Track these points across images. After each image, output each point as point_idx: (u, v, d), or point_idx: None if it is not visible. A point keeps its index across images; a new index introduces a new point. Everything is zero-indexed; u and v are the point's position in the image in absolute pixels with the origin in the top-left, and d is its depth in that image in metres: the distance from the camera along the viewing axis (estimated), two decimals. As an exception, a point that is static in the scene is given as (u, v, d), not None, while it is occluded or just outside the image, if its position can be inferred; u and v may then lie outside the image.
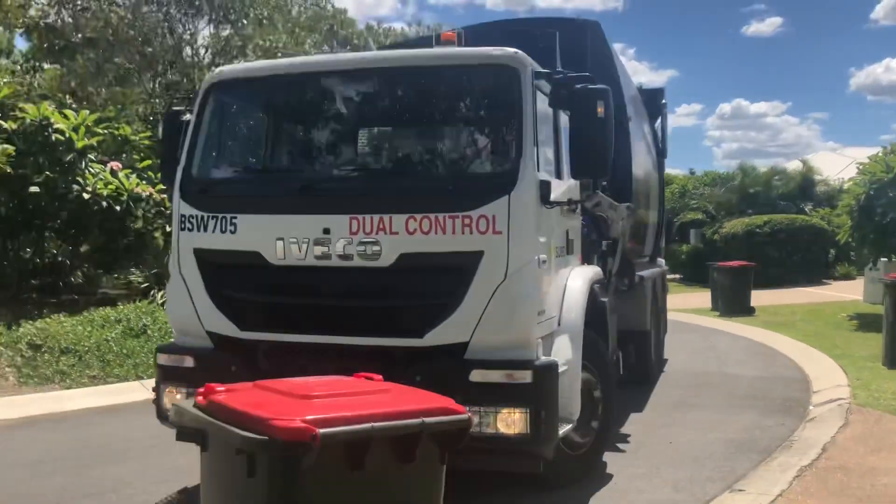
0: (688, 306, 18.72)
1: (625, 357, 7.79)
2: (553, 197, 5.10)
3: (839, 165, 40.56)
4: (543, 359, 4.92)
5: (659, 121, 11.29)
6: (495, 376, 4.71)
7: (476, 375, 4.70)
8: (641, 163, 8.84)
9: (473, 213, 4.79)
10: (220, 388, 2.63)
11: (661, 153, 11.08)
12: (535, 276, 4.90)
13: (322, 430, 2.10)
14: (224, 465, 2.33)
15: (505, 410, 4.70)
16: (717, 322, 16.70)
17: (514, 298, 4.79)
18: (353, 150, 6.22)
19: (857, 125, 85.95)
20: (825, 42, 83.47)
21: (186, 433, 2.54)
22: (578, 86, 5.17)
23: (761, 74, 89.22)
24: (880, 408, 7.92)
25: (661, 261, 11.73)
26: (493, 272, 4.78)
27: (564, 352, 5.25)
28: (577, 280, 5.76)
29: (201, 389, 2.76)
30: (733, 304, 17.76)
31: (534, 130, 4.96)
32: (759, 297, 18.68)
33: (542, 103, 5.26)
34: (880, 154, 16.78)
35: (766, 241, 25.58)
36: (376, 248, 4.91)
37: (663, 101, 11.43)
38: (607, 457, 6.24)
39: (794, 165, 33.98)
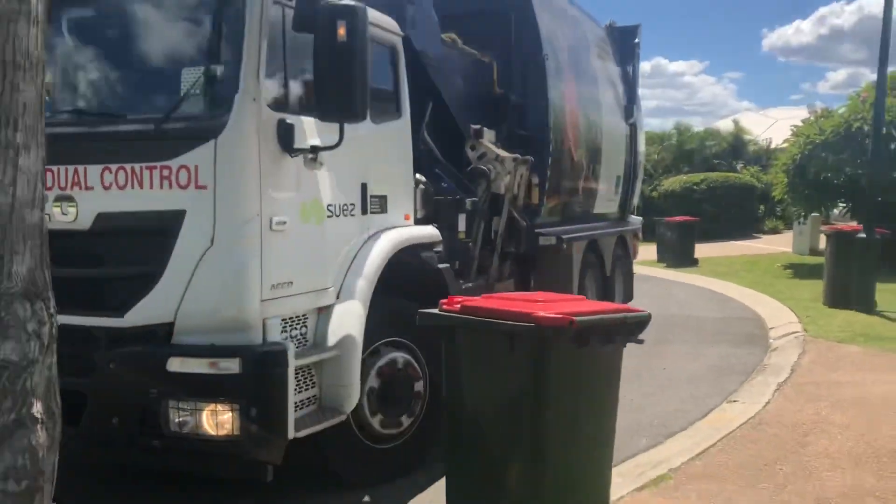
0: (635, 259, 20.23)
1: None
2: (320, 142, 4.27)
3: (763, 125, 43.00)
4: (269, 344, 4.04)
5: (632, 65, 10.26)
6: (196, 365, 3.91)
7: (174, 364, 3.93)
8: (584, 109, 8.35)
9: (173, 163, 3.96)
10: (460, 298, 3.62)
11: (631, 101, 10.11)
12: (261, 241, 4.00)
13: (576, 318, 3.13)
14: (485, 349, 3.32)
15: (209, 407, 3.93)
16: (667, 273, 18.19)
17: (225, 269, 3.95)
18: (40, 84, 5.19)
19: (770, 85, 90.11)
20: (740, 3, 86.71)
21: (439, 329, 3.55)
22: (324, 2, 4.12)
23: (681, 33, 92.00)
24: (830, 338, 9.40)
25: (636, 219, 11.08)
26: (196, 237, 3.95)
27: (341, 329, 4.46)
28: (378, 244, 4.87)
29: (445, 301, 3.67)
30: (680, 256, 19.28)
31: (258, 57, 4.02)
32: (700, 250, 20.28)
33: (289, 24, 4.24)
34: (812, 118, 18.51)
35: (703, 197, 27.35)
36: (72, 206, 4.14)
37: (636, 40, 10.37)
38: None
39: (725, 126, 35.93)
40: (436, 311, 3.59)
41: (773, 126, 40.43)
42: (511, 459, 3.40)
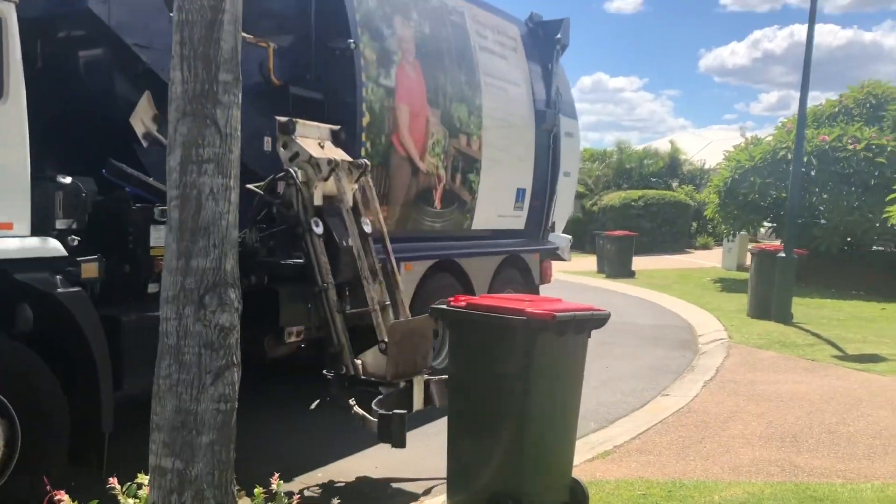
0: (577, 270, 21.56)
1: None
2: None
3: (698, 145, 45.16)
4: None
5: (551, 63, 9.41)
6: None
7: None
8: (444, 110, 7.49)
9: None
10: (463, 298, 4.55)
11: (548, 104, 9.30)
12: None
13: (557, 315, 4.14)
14: (482, 337, 4.30)
15: None
16: (606, 283, 19.51)
17: None
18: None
19: (705, 104, 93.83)
20: (680, 23, 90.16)
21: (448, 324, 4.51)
22: None
23: (622, 50, 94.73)
24: (750, 344, 10.72)
25: (561, 237, 10.29)
26: None
27: None
28: None
29: (452, 298, 4.56)
30: (618, 267, 20.66)
31: None
32: (637, 263, 21.69)
33: None
34: (742, 144, 20.15)
35: (640, 213, 28.91)
36: None
37: (557, 35, 9.46)
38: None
39: (663, 145, 37.75)
40: (444, 306, 4.57)
41: (708, 147, 42.64)
42: (502, 427, 4.40)
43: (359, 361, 5.62)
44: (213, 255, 3.13)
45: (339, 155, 5.90)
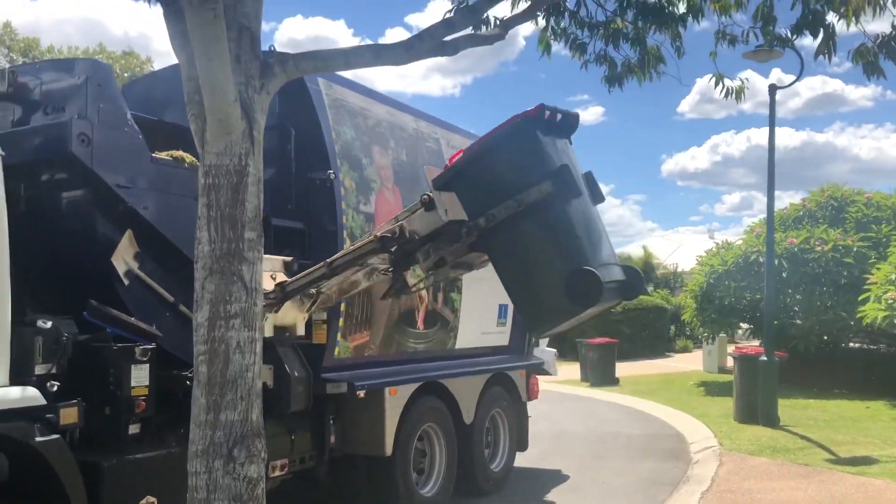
0: (560, 379, 21.38)
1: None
2: None
3: (668, 248, 45.97)
4: None
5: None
6: None
7: None
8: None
9: None
10: None
11: None
12: None
13: None
14: None
15: None
16: (590, 391, 19.33)
17: None
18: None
19: (671, 206, 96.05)
20: (640, 131, 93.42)
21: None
22: None
23: (586, 159, 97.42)
24: (742, 451, 10.57)
25: (547, 351, 10.07)
26: None
27: None
28: None
29: None
30: (602, 375, 20.52)
31: None
32: (620, 369, 21.58)
33: None
34: (714, 249, 20.53)
35: (620, 318, 28.95)
36: None
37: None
38: (561, 496, 8.35)
39: (636, 251, 38.39)
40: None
41: (679, 250, 43.40)
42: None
43: None
44: (240, 407, 3.20)
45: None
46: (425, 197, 4.96)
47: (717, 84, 6.10)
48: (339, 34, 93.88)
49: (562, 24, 5.72)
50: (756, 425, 12.49)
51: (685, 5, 5.56)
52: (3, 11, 50.14)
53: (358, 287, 5.81)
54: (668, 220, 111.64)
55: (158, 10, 3.68)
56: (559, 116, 4.81)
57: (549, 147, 4.75)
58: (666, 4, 5.32)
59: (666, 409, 15.43)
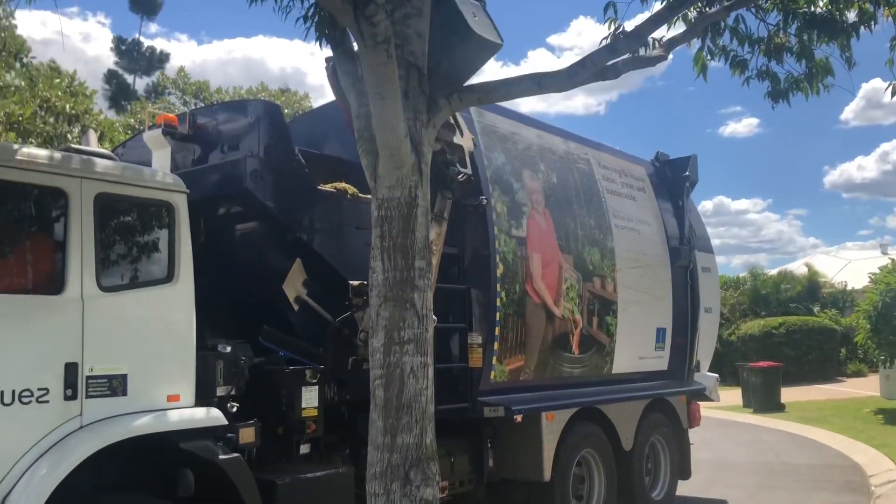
0: (720, 405, 20.48)
1: None
2: None
3: (836, 266, 43.13)
4: None
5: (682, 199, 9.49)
6: None
7: None
8: (576, 256, 7.52)
9: None
10: None
11: (683, 239, 9.23)
12: None
13: None
14: None
15: None
16: (754, 418, 18.41)
17: None
18: None
19: (836, 221, 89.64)
20: (800, 142, 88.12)
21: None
22: None
23: (741, 173, 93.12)
24: (931, 486, 9.74)
25: (708, 376, 9.76)
26: None
27: None
28: (70, 443, 4.05)
29: None
30: (766, 401, 19.50)
31: None
32: (785, 394, 20.44)
33: None
34: (889, 265, 19.13)
35: (783, 341, 27.45)
36: None
37: (686, 172, 9.56)
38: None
39: (799, 269, 36.28)
40: None
41: (847, 267, 40.56)
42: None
43: None
44: (415, 430, 3.32)
45: None
46: None
47: (893, 94, 5.72)
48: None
49: (720, 43, 5.55)
50: (946, 458, 11.48)
51: (855, 13, 5.27)
52: (177, 56, 54.55)
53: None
54: (832, 235, 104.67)
55: (316, 47, 3.87)
56: None
57: None
58: (836, 14, 5.06)
59: (839, 437, 14.46)
